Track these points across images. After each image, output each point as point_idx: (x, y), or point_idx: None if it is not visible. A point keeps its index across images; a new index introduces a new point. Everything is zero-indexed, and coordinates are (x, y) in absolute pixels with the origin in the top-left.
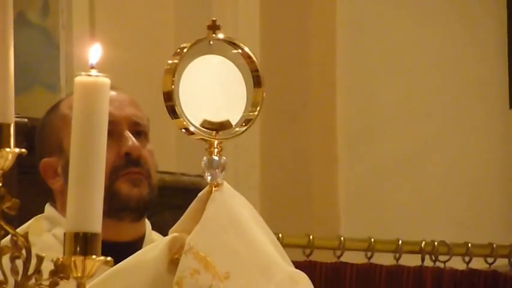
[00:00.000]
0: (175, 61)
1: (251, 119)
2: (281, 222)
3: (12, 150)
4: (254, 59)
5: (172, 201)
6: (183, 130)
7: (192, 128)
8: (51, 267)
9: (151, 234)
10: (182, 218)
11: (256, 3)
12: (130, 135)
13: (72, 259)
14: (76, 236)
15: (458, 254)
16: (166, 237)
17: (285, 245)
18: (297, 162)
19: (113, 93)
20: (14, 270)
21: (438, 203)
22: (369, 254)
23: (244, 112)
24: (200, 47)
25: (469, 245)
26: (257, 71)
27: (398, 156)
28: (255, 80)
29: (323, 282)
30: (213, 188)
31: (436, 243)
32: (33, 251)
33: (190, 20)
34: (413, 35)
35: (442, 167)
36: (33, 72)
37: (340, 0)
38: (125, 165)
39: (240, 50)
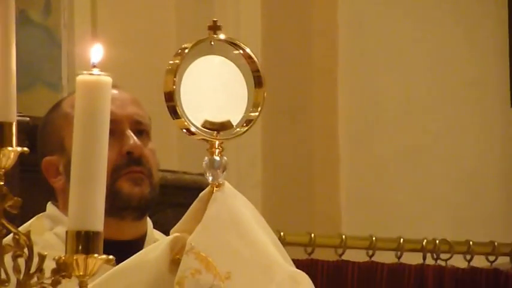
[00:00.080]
0: (177, 61)
1: (252, 120)
2: (283, 221)
3: (14, 149)
4: (255, 59)
5: (174, 199)
6: (184, 130)
7: (193, 129)
8: (53, 265)
9: (153, 233)
10: (183, 218)
11: (257, 3)
12: (132, 134)
13: (74, 258)
14: (78, 234)
15: (460, 252)
16: (168, 237)
17: (287, 243)
18: (298, 160)
19: (114, 92)
20: (16, 269)
21: (439, 201)
22: (371, 252)
23: (245, 112)
24: (201, 47)
25: (471, 243)
26: (258, 71)
27: (399, 154)
28: (256, 80)
29: (325, 281)
30: (215, 188)
31: (437, 241)
32: (35, 250)
33: (192, 19)
34: (414, 34)
35: (444, 165)
36: (35, 71)
37: (341, 1)
38: (127, 164)
39: (241, 51)
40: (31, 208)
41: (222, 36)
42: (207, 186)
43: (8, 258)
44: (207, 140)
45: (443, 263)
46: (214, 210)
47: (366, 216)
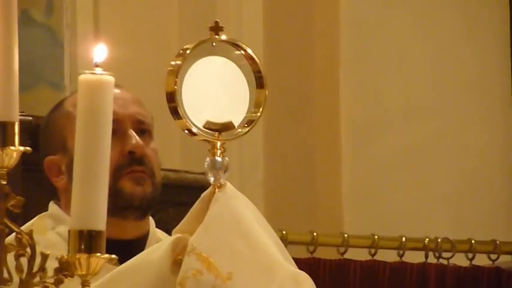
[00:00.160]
0: (178, 62)
1: (254, 120)
2: (285, 220)
3: (17, 149)
4: (257, 60)
5: (176, 198)
6: (186, 131)
7: (194, 129)
8: (55, 265)
9: (155, 232)
10: (185, 218)
11: (259, 4)
12: (134, 133)
13: (77, 257)
14: (81, 233)
15: (462, 250)
16: (170, 238)
17: (289, 242)
18: (300, 159)
19: (116, 91)
20: (19, 268)
21: (441, 200)
22: (373, 250)
23: (246, 113)
24: (203, 48)
25: (473, 241)
26: (260, 72)
27: (401, 153)
28: (258, 81)
29: (327, 279)
30: (216, 189)
31: (439, 240)
32: (38, 249)
33: (194, 19)
34: (416, 33)
35: (446, 163)
36: (37, 70)
37: (343, 0)
38: (129, 164)
39: (242, 51)
40: (33, 207)
41: (223, 37)
42: (209, 185)
43: (10, 258)
44: (209, 141)
45: (445, 262)
46: (216, 211)
47: (368, 215)
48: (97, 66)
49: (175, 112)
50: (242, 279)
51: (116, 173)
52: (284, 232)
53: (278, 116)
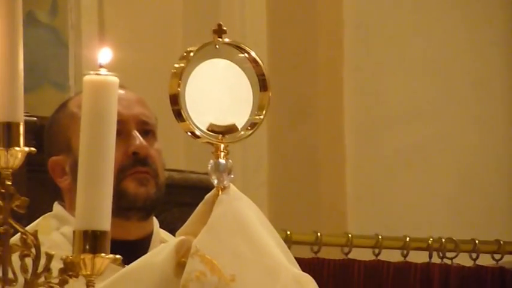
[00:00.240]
0: (182, 65)
1: (257, 123)
2: (289, 220)
3: (22, 149)
4: (260, 63)
5: (180, 198)
6: (189, 134)
7: (198, 132)
8: (60, 265)
9: (159, 232)
10: (189, 220)
11: (262, 5)
12: (138, 134)
13: (82, 257)
14: (85, 234)
15: (466, 250)
16: (174, 240)
17: (293, 242)
18: (304, 160)
19: (121, 92)
20: (24, 269)
21: (445, 200)
22: (377, 250)
23: (250, 116)
24: (206, 50)
25: (476, 241)
26: (263, 75)
27: (405, 153)
28: (261, 83)
29: (331, 279)
30: (220, 191)
31: (443, 240)
32: (42, 250)
33: (198, 21)
34: (419, 33)
35: (449, 164)
36: (42, 71)
37: (347, 1)
38: (132, 165)
39: (246, 54)
40: (38, 208)
41: (227, 39)
42: (213, 186)
43: (15, 258)
44: (212, 144)
45: (449, 262)
46: (220, 213)
47: (372, 215)
48: (101, 67)
49: (179, 115)
50: (245, 281)
51: (120, 174)
52: (288, 232)
53: (282, 117)
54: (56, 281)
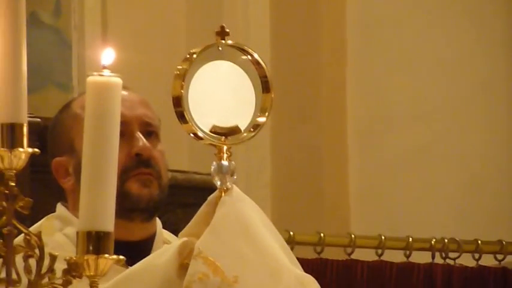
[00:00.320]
0: (185, 66)
1: (259, 124)
2: (292, 221)
3: (25, 150)
4: (263, 64)
5: (184, 199)
6: (192, 135)
7: (200, 134)
8: (63, 266)
9: (162, 233)
10: (192, 221)
11: (266, 7)
12: (141, 135)
13: (85, 258)
14: (89, 234)
15: (468, 251)
16: (177, 242)
17: (296, 243)
18: (307, 160)
19: (124, 93)
20: (27, 269)
21: (448, 200)
22: (380, 251)
23: (252, 117)
24: (209, 52)
25: (479, 242)
26: (266, 76)
27: (408, 154)
28: (264, 85)
29: (334, 280)
30: (223, 193)
31: (446, 240)
32: (46, 251)
33: (202, 23)
34: (423, 34)
35: (452, 164)
36: (45, 72)
37: (350, 2)
38: (136, 166)
39: (249, 56)
40: (41, 209)
41: (230, 41)
42: (216, 187)
43: (19, 259)
44: (215, 145)
45: (451, 262)
46: (223, 214)
47: (375, 216)
48: (105, 68)
49: (182, 116)
50: (248, 282)
51: (123, 175)
52: (291, 233)
53: (285, 117)
54: (60, 281)
